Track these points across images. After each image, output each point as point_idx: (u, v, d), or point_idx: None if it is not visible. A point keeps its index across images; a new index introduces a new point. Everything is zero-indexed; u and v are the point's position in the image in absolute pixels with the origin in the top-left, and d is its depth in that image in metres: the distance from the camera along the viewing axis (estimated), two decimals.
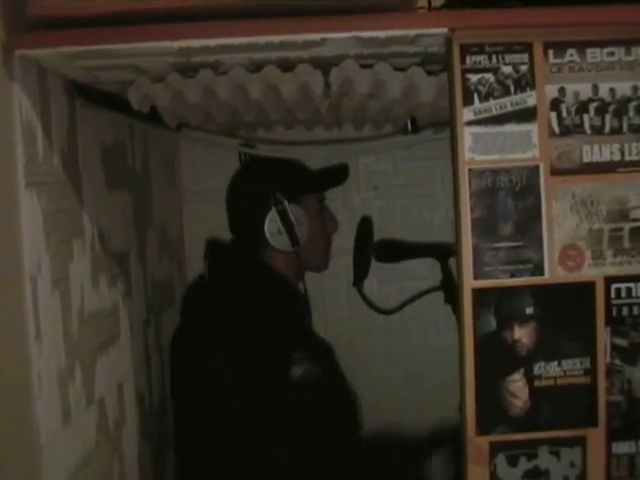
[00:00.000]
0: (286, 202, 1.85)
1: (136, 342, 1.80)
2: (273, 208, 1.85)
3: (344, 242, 2.19)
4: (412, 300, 2.14)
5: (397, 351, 2.44)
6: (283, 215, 1.85)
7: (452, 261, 1.94)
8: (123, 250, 1.76)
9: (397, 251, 2.11)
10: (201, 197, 2.37)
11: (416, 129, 1.83)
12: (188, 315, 1.93)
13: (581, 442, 1.26)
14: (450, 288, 1.94)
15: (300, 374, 1.71)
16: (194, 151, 2.40)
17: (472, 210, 1.23)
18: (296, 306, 1.92)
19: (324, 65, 1.38)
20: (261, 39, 1.20)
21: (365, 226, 2.11)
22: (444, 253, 1.98)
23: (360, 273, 2.06)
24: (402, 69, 1.40)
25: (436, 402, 2.31)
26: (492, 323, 1.24)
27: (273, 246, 1.87)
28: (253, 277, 1.90)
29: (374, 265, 2.10)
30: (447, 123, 1.74)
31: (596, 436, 1.26)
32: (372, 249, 2.06)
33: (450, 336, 2.01)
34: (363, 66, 1.38)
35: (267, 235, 1.85)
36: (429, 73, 1.41)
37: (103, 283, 1.58)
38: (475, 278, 1.23)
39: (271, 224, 1.85)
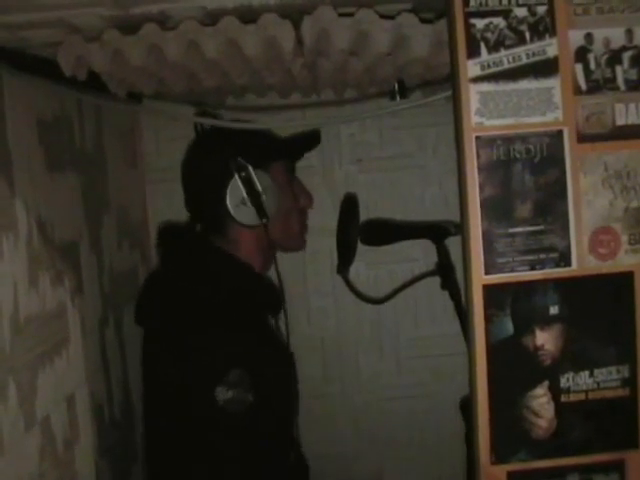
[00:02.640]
0: (250, 167, 1.64)
1: (90, 345, 1.63)
2: (235, 175, 1.64)
3: (326, 222, 2.05)
4: (405, 287, 1.99)
5: (388, 342, 2.29)
6: (247, 182, 1.64)
7: (448, 242, 1.81)
8: (71, 241, 1.58)
9: (386, 233, 1.96)
10: (166, 175, 2.18)
11: (404, 93, 1.65)
12: (142, 314, 1.77)
13: (619, 468, 1.13)
14: (447, 272, 1.80)
15: (225, 400, 1.52)
16: (157, 125, 2.22)
17: (481, 188, 1.08)
18: (259, 300, 1.74)
19: (294, 14, 1.20)
20: None
21: (349, 205, 1.93)
22: (439, 233, 1.82)
23: (345, 259, 1.89)
24: (390, 17, 1.21)
25: (431, 397, 2.24)
26: (508, 327, 1.09)
27: (237, 221, 1.67)
28: (208, 268, 1.72)
29: (360, 247, 1.94)
30: (440, 83, 1.60)
31: (637, 460, 1.13)
32: (358, 231, 1.89)
33: (447, 325, 1.91)
34: (342, 14, 1.20)
35: (229, 207, 1.65)
36: (423, 21, 1.23)
37: (45, 281, 1.41)
38: (486, 272, 1.09)
39: (233, 194, 1.65)
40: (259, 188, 1.65)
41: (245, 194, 1.64)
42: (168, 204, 2.16)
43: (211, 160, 1.69)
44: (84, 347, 1.58)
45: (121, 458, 1.80)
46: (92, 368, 1.62)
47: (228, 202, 1.64)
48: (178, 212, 1.92)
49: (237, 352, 1.56)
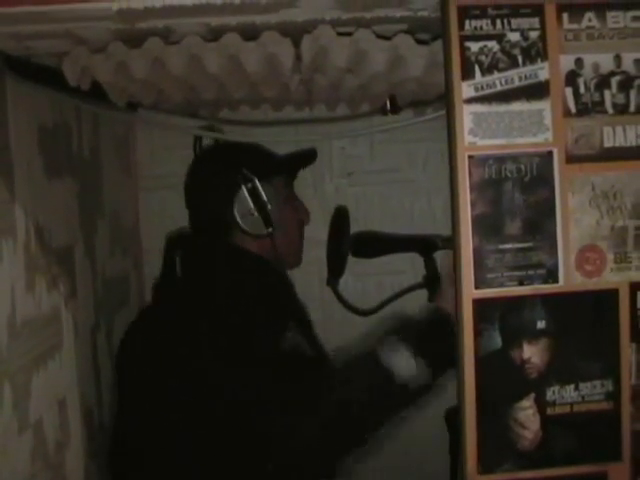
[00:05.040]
0: (256, 179, 1.67)
1: (82, 350, 1.63)
2: (242, 187, 1.66)
3: (316, 233, 2.04)
4: (393, 299, 1.96)
5: None
6: (254, 194, 1.67)
7: (436, 255, 1.79)
8: (66, 246, 1.59)
9: (376, 245, 1.94)
10: (159, 183, 2.20)
11: (395, 109, 1.67)
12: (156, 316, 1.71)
13: (602, 479, 1.13)
14: (435, 285, 1.76)
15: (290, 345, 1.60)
16: (151, 133, 2.22)
17: (473, 205, 1.09)
18: (282, 288, 1.80)
19: (294, 33, 1.22)
20: None
21: (340, 217, 1.93)
22: (427, 247, 1.81)
23: (335, 271, 1.88)
24: (387, 37, 1.23)
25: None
26: (497, 340, 1.10)
27: (245, 230, 1.69)
28: (231, 265, 1.72)
29: (349, 258, 1.92)
30: (431, 102, 1.62)
31: (620, 471, 1.13)
32: (348, 243, 1.87)
33: None
34: (341, 34, 1.22)
35: (237, 218, 1.67)
36: (419, 42, 1.25)
37: (41, 285, 1.41)
38: (476, 287, 1.09)
39: (241, 205, 1.67)
40: (265, 198, 1.67)
41: (252, 205, 1.67)
42: (160, 211, 2.18)
43: (217, 172, 1.71)
44: (76, 351, 1.58)
45: None
46: (83, 372, 1.62)
47: (235, 212, 1.66)
48: (169, 220, 1.94)
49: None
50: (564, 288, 1.10)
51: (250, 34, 1.21)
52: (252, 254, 1.74)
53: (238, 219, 1.67)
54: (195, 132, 1.84)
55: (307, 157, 1.94)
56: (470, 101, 1.07)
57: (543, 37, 1.08)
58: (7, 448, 1.21)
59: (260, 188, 1.67)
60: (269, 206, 1.68)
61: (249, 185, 1.66)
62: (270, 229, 1.69)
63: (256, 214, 1.67)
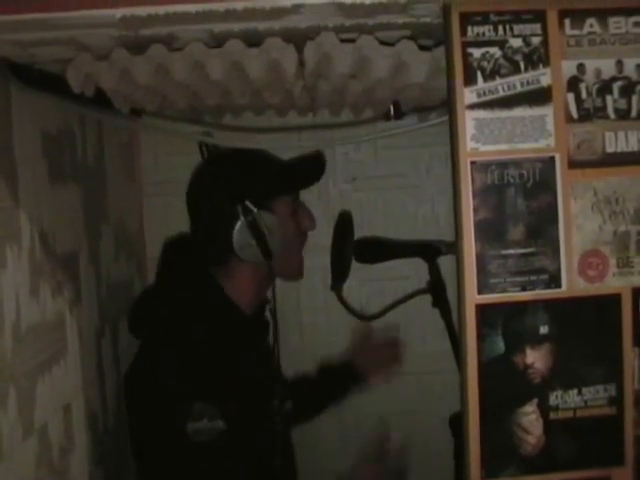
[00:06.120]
0: (256, 210, 1.64)
1: (87, 356, 1.64)
2: (242, 219, 1.63)
3: (320, 240, 2.02)
4: (396, 304, 1.97)
5: None
6: (253, 226, 1.64)
7: (440, 260, 1.81)
8: (71, 251, 1.60)
9: (380, 250, 1.95)
10: (163, 190, 2.21)
11: (399, 115, 1.67)
12: (132, 325, 1.76)
13: None
14: (438, 290, 1.79)
15: (194, 431, 1.53)
16: (155, 140, 2.23)
17: (475, 210, 1.09)
18: (240, 339, 1.71)
19: (297, 39, 1.22)
20: (220, 6, 1.03)
21: (344, 223, 1.92)
22: (431, 252, 1.82)
23: (339, 276, 1.88)
24: (390, 44, 1.24)
25: (421, 413, 2.24)
26: (500, 345, 1.10)
27: (242, 259, 1.67)
28: (198, 296, 1.70)
29: (353, 264, 1.92)
30: (435, 107, 1.62)
31: (623, 476, 1.13)
32: (352, 249, 1.87)
33: (437, 343, 1.91)
34: (344, 40, 1.22)
35: (235, 248, 1.64)
36: (421, 48, 1.25)
37: (45, 291, 1.42)
38: (479, 292, 1.09)
39: (240, 236, 1.64)
40: (264, 230, 1.64)
41: (251, 236, 1.63)
42: (164, 217, 2.18)
43: (218, 202, 1.67)
44: (81, 357, 1.58)
45: (114, 467, 1.79)
46: (88, 378, 1.63)
47: (234, 242, 1.63)
48: (173, 225, 1.92)
49: (199, 386, 1.56)
50: (567, 293, 1.10)
51: (253, 40, 1.21)
52: (228, 305, 1.72)
53: (236, 249, 1.64)
54: (198, 138, 1.83)
55: (315, 171, 1.87)
56: (472, 107, 1.07)
57: (545, 43, 1.08)
58: (12, 453, 1.22)
59: (260, 220, 1.64)
60: (268, 237, 1.65)
61: (249, 218, 1.63)
62: (268, 260, 1.67)
63: (254, 245, 1.64)
